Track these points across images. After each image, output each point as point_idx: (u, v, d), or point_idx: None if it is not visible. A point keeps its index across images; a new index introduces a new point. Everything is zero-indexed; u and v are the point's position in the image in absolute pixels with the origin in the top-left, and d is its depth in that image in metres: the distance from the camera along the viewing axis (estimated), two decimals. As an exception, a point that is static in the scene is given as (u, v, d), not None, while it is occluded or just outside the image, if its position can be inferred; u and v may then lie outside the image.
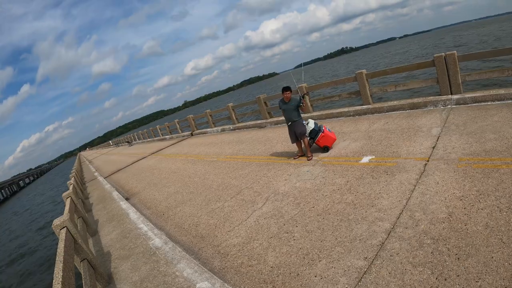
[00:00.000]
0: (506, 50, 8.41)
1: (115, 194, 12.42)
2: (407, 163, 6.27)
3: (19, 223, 31.76)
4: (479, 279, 3.24)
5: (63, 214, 6.66)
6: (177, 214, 8.02)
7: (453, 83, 8.98)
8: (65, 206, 8.66)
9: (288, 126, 8.62)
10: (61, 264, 4.05)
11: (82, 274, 4.92)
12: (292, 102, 8.34)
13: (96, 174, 22.55)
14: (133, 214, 8.84)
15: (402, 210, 4.78)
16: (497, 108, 7.50)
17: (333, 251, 4.43)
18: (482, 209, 4.27)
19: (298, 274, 4.21)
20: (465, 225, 4.07)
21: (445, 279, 3.35)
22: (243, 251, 5.26)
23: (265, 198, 6.95)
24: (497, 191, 4.54)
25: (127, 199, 11.40)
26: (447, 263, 3.55)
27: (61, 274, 3.81)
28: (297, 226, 5.37)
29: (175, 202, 9.03)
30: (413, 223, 4.42)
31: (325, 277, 3.99)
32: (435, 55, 9.17)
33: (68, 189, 11.08)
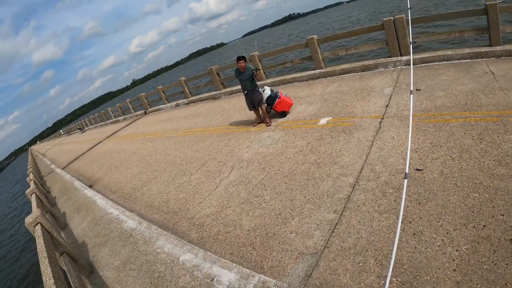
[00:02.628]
0: (451, 14, 8.87)
1: (77, 183, 11.87)
2: (363, 121, 6.51)
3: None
4: (440, 219, 3.52)
5: (32, 211, 6.39)
6: (144, 194, 7.86)
7: (402, 45, 9.29)
8: (31, 203, 8.29)
9: (245, 94, 8.59)
10: (47, 260, 3.93)
11: (65, 267, 4.75)
12: (247, 72, 8.28)
13: (52, 166, 21.28)
14: (100, 200, 8.54)
15: (363, 165, 5.01)
16: (444, 68, 7.86)
17: (303, 208, 4.61)
18: (436, 159, 4.57)
19: (274, 234, 4.36)
20: (422, 174, 4.35)
21: (410, 222, 3.62)
22: (217, 219, 5.31)
23: (230, 167, 6.98)
24: (448, 142, 4.86)
25: (90, 186, 10.92)
26: (410, 208, 3.82)
27: (50, 269, 3.69)
28: (266, 190, 5.49)
29: (140, 182, 8.82)
30: (375, 175, 4.66)
31: (300, 233, 4.16)
32: (384, 19, 9.38)
33: (30, 185, 10.60)
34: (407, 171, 2.82)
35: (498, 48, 7.67)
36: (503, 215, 3.34)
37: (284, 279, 3.56)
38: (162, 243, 5.13)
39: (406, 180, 2.77)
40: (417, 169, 4.37)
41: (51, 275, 3.56)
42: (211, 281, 3.87)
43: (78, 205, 9.23)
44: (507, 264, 2.85)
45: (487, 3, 7.67)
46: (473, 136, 4.79)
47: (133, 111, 26.71)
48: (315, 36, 11.17)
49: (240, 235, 4.65)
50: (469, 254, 3.05)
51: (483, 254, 3.00)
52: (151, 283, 4.38)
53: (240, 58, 8.25)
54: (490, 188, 3.72)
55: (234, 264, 3.99)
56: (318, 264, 3.57)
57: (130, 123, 22.72)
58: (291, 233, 4.24)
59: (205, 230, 5.17)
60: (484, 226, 3.28)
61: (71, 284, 4.15)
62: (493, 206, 3.47)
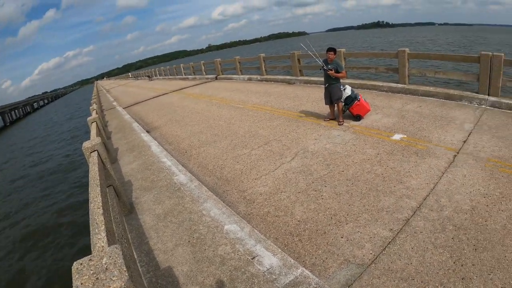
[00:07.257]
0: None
1: (135, 125, 12.44)
2: (438, 150, 6.52)
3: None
4: (491, 272, 3.59)
5: (91, 138, 6.80)
6: (200, 154, 8.12)
7: (492, 85, 8.95)
8: (91, 130, 8.79)
9: (325, 87, 8.71)
10: (98, 188, 3.90)
11: (109, 200, 4.65)
12: (333, 65, 8.35)
13: (114, 103, 22.20)
14: (155, 147, 8.85)
15: (429, 193, 5.11)
16: (530, 121, 7.54)
17: (360, 216, 4.77)
18: (503, 210, 4.58)
19: (324, 232, 4.53)
20: (485, 221, 4.40)
21: (462, 265, 3.73)
22: (269, 200, 5.49)
23: (294, 153, 7.19)
24: (519, 198, 4.80)
25: (147, 131, 11.34)
26: (465, 251, 3.91)
27: (100, 198, 3.63)
28: (325, 186, 5.67)
29: (198, 142, 9.10)
30: (438, 207, 4.76)
31: (351, 240, 4.32)
32: (481, 52, 9.04)
33: (91, 114, 11.29)
34: None
35: None
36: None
37: (325, 281, 3.65)
38: (209, 206, 5.24)
39: None
40: None
41: (100, 204, 3.49)
42: (252, 259, 3.89)
43: (132, 145, 9.66)
44: None
45: None
46: (548, 202, 4.70)
47: (204, 73, 27.38)
48: (407, 49, 10.93)
49: (290, 223, 4.79)
50: (510, 318, 3.11)
51: (524, 322, 3.05)
52: (189, 241, 4.49)
53: (331, 49, 8.32)
54: (551, 260, 3.72)
55: (279, 250, 4.02)
56: (361, 277, 3.65)
57: (199, 84, 23.28)
58: (341, 237, 4.38)
59: (254, 207, 5.35)
60: (533, 294, 3.33)
61: (112, 218, 4.12)
62: (549, 279, 3.48)
